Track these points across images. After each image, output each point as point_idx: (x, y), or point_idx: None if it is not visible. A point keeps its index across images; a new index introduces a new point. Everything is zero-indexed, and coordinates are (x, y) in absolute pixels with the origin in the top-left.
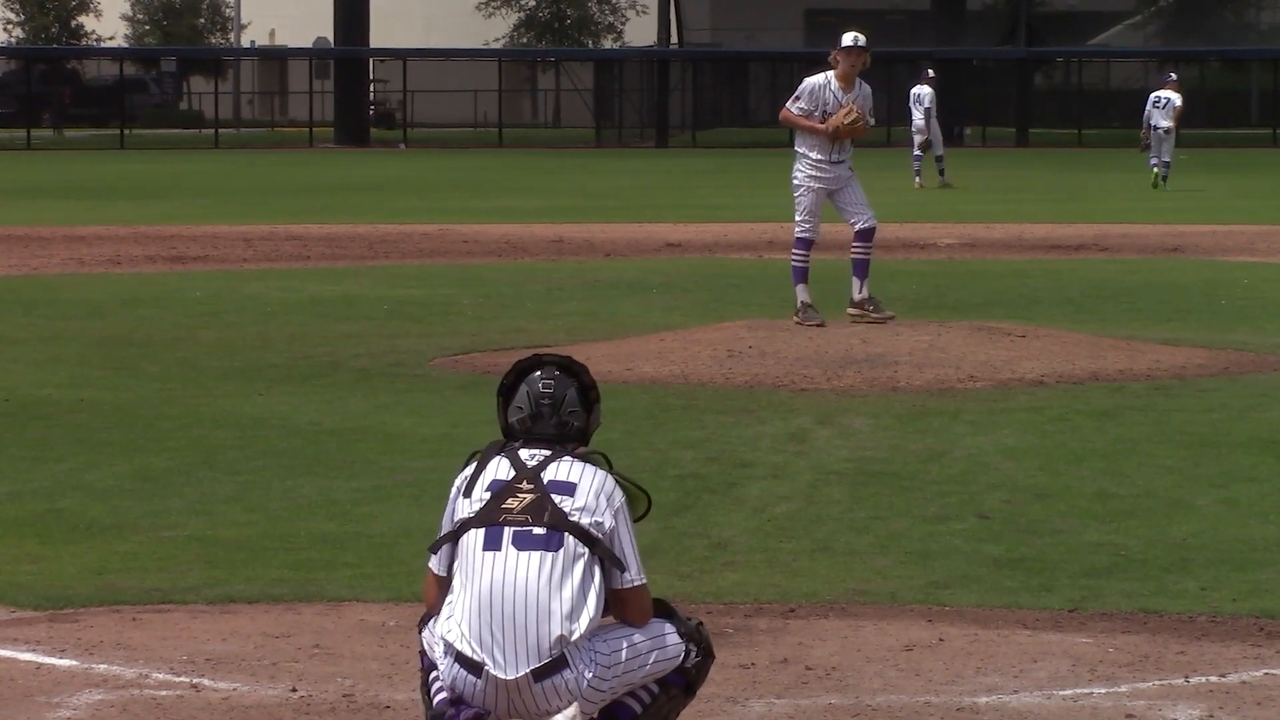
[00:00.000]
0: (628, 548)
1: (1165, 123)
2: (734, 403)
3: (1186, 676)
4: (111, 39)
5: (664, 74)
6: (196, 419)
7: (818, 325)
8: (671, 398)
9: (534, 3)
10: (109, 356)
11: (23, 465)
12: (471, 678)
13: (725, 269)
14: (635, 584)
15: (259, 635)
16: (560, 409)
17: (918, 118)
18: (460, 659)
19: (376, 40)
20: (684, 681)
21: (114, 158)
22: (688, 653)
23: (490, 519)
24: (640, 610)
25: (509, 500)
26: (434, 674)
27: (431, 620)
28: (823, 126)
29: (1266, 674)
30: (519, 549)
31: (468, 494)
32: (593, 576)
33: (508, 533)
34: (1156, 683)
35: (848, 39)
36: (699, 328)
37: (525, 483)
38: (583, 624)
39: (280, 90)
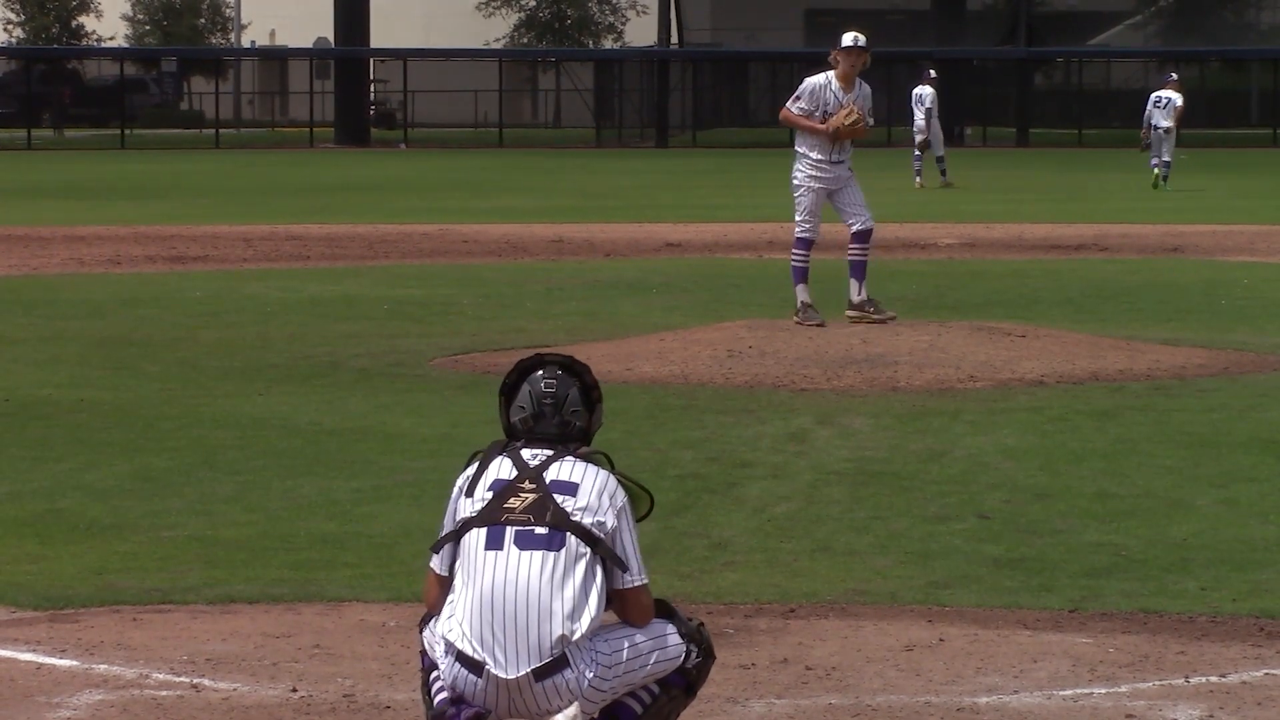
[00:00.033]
0: (629, 548)
1: (1166, 123)
2: (734, 403)
3: (1186, 676)
4: (112, 39)
5: (664, 74)
6: (196, 419)
7: (818, 325)
8: (671, 398)
9: (534, 3)
10: (109, 356)
11: (23, 465)
12: (472, 677)
13: (725, 269)
14: (637, 584)
15: (259, 635)
16: (562, 409)
17: (919, 118)
18: (461, 658)
19: (377, 40)
20: (685, 682)
21: (114, 158)
22: (689, 653)
23: (492, 518)
24: (641, 610)
25: (511, 500)
26: (435, 673)
27: (432, 620)
28: (823, 127)
29: (1266, 674)
30: (521, 548)
31: (470, 493)
32: (594, 576)
33: (510, 532)
34: (1156, 683)
35: (848, 39)
36: (699, 328)
37: (527, 482)
38: (584, 624)
39: (280, 90)
